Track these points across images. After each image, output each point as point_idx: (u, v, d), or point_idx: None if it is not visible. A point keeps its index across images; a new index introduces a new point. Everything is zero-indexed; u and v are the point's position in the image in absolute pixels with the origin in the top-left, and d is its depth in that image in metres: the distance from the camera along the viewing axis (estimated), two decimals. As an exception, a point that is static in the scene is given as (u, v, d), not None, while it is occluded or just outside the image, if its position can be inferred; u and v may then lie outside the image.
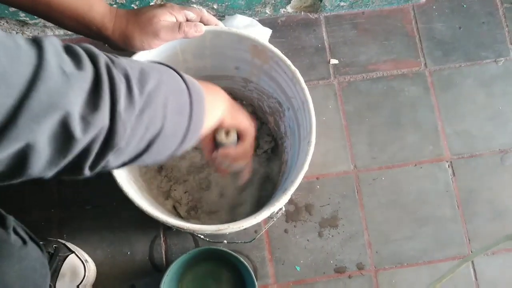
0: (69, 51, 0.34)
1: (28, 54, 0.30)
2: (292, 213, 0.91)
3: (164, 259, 0.88)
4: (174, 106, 0.41)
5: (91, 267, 0.85)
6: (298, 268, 0.89)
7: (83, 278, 0.82)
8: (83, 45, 0.36)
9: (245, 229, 0.84)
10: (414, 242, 0.91)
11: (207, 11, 0.94)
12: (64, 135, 0.32)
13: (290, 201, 0.92)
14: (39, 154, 0.31)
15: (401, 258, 0.91)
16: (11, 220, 0.58)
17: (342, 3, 0.98)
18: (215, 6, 0.93)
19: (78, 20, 0.57)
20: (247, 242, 0.80)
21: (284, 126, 0.84)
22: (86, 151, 0.34)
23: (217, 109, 0.53)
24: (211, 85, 0.52)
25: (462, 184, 0.95)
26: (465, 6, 1.04)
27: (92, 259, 0.87)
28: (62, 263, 0.81)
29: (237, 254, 0.81)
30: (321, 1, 0.96)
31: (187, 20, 0.63)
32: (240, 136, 0.62)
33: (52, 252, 0.81)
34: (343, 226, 0.91)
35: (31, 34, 0.96)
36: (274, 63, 0.70)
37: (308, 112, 0.65)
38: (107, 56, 0.38)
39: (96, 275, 0.86)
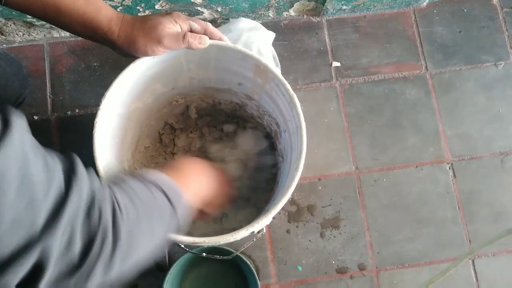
0: (88, 213, 0.38)
1: (45, 213, 0.33)
2: (294, 214, 0.92)
3: (167, 259, 0.89)
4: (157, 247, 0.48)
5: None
6: (300, 268, 0.90)
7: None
8: (98, 208, 0.39)
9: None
10: (415, 243, 0.92)
11: (211, 13, 0.96)
12: None
13: (292, 202, 0.93)
14: None
15: (402, 259, 0.91)
16: None
17: (344, 7, 0.99)
18: (219, 9, 0.94)
19: (85, 24, 0.58)
20: (225, 258, 0.78)
21: (280, 148, 0.85)
22: None
23: (198, 194, 0.61)
24: (191, 172, 0.62)
25: (462, 186, 0.95)
26: (465, 10, 1.05)
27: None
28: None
29: (239, 254, 0.81)
30: (323, 5, 0.97)
31: (191, 31, 0.64)
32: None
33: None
34: (345, 227, 0.92)
35: (37, 36, 0.97)
36: (275, 84, 0.70)
37: (301, 138, 0.65)
38: (114, 214, 0.40)
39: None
